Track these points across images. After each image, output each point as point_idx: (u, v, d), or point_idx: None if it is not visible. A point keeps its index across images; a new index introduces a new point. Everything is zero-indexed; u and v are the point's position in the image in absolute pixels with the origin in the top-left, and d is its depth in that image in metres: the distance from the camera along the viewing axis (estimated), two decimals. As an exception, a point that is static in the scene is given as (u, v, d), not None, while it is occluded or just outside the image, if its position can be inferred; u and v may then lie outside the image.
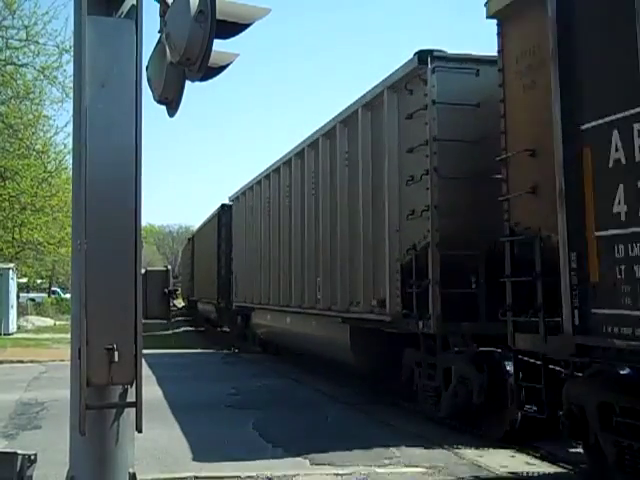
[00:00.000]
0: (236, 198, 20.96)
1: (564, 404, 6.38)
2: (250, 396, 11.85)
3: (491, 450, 7.91)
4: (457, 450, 7.92)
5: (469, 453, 7.79)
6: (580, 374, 6.41)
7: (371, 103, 10.79)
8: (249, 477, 6.79)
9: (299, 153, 14.40)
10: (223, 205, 23.09)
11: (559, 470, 7.17)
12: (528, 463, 7.42)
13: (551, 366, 6.71)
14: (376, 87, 10.54)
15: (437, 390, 9.20)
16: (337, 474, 6.92)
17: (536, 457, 7.64)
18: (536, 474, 7.06)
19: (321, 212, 12.91)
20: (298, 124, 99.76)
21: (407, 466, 7.28)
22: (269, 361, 17.67)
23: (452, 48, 9.26)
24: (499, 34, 7.43)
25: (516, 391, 7.23)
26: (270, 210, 16.58)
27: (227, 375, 14.98)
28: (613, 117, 5.58)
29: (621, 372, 6.05)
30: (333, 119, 12.39)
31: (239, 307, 19.98)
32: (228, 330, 23.85)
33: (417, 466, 7.24)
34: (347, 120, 11.75)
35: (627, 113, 5.43)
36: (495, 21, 7.46)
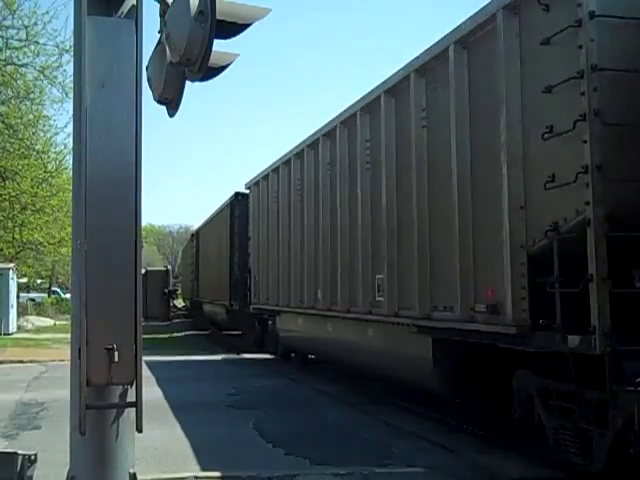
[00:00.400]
0: (255, 184, 17.74)
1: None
2: (250, 396, 11.85)
3: (492, 451, 7.90)
4: (457, 450, 7.91)
5: (469, 453, 7.79)
6: None
7: (472, 34, 7.74)
8: (249, 477, 6.79)
9: (346, 120, 11.42)
10: (237, 194, 20.18)
11: (557, 474, 7.15)
12: (527, 464, 7.41)
13: None
14: (486, 7, 7.44)
15: (585, 434, 6.30)
16: (337, 474, 6.92)
17: (536, 459, 7.63)
18: (535, 476, 7.06)
19: (384, 180, 9.81)
20: (299, 124, 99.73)
21: (407, 466, 7.27)
22: (269, 361, 17.62)
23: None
24: None
25: None
26: (304, 193, 13.52)
27: (227, 375, 14.97)
28: None
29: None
30: (406, 66, 9.24)
31: (258, 309, 17.49)
32: (239, 333, 22.03)
33: (417, 466, 7.24)
34: (426, 66, 8.71)
35: None
36: None
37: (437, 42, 8.41)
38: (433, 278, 8.44)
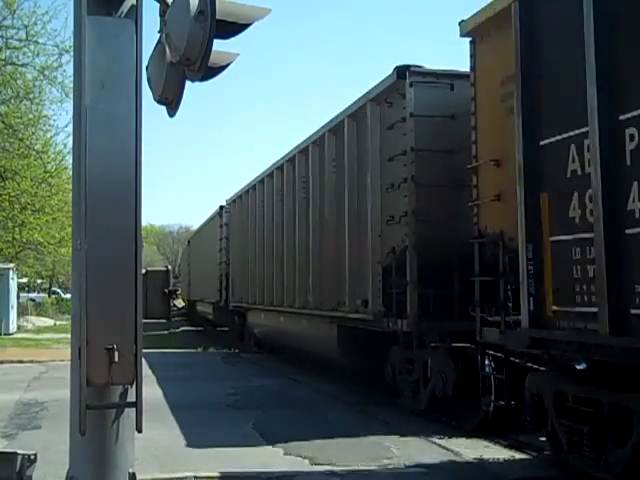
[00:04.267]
0: (232, 201, 21.54)
1: (526, 395, 6.80)
2: (250, 396, 11.85)
3: (492, 450, 7.90)
4: (457, 450, 7.91)
5: (469, 453, 7.79)
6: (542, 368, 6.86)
7: (356, 114, 11.34)
8: (249, 477, 6.79)
9: (291, 159, 14.91)
10: (222, 207, 23.33)
11: (557, 474, 7.15)
12: (527, 464, 7.41)
13: (513, 359, 7.26)
14: (360, 99, 11.16)
15: (416, 384, 9.90)
16: (337, 474, 6.92)
17: (535, 459, 7.64)
18: (535, 476, 7.07)
19: (311, 216, 13.40)
20: (299, 124, 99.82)
21: (407, 466, 7.27)
22: (267, 361, 17.66)
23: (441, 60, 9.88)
24: (471, 52, 7.94)
25: (484, 383, 7.78)
26: (264, 213, 17.10)
27: (227, 375, 14.98)
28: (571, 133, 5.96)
29: (578, 367, 6.44)
30: (322, 127, 12.93)
31: (236, 307, 20.46)
32: (227, 329, 24.17)
33: (417, 466, 7.24)
34: (335, 129, 12.31)
35: (578, 131, 5.81)
36: (468, 39, 7.99)
37: (338, 114, 12.12)
38: (338, 282, 11.78)
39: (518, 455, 7.74)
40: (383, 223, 10.22)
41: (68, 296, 37.60)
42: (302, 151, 14.08)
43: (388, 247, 10.00)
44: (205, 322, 30.02)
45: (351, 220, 11.36)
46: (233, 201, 21.48)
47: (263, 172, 17.47)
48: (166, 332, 28.96)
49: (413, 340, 9.67)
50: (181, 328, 33.16)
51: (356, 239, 11.15)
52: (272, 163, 16.64)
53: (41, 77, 21.13)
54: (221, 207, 23.37)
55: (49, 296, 46.63)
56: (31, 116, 22.39)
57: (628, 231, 5.30)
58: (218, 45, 3.87)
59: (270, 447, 8.09)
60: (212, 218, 25.82)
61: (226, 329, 24.33)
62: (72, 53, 4.60)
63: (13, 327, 27.78)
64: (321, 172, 12.93)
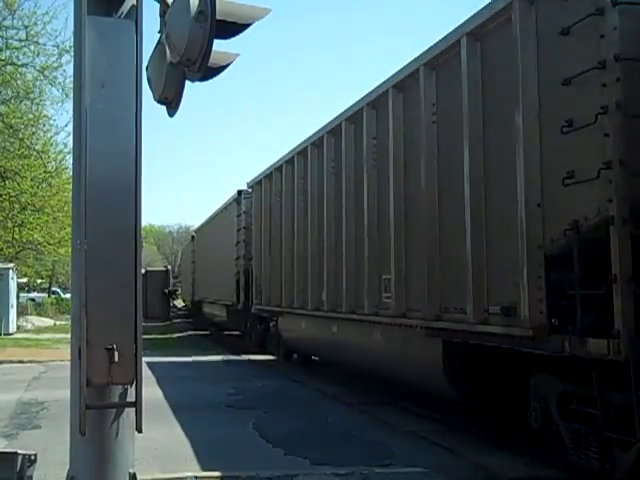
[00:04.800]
0: (258, 182, 17.42)
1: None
2: (250, 396, 11.85)
3: (492, 451, 7.90)
4: (457, 450, 7.91)
5: (469, 453, 7.79)
6: None
7: (485, 25, 7.46)
8: (249, 477, 6.79)
9: (352, 117, 11.20)
10: (240, 192, 19.67)
11: (557, 474, 7.15)
12: (527, 464, 7.41)
13: None
14: None
15: (605, 441, 6.03)
16: (337, 474, 6.92)
17: (534, 459, 7.64)
18: (535, 476, 7.06)
19: (392, 179, 9.56)
20: (299, 124, 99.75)
21: (407, 466, 7.27)
22: (271, 362, 17.59)
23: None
24: None
25: None
26: (308, 192, 13.29)
27: (227, 375, 14.97)
28: None
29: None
30: (415, 60, 8.98)
31: (259, 310, 17.28)
32: (239, 334, 21.98)
33: (417, 466, 7.24)
34: (437, 59, 8.46)
35: None
36: None
37: (449, 33, 8.14)
38: (444, 278, 8.14)
39: (518, 457, 7.74)
40: (550, 186, 6.39)
41: (68, 296, 37.60)
42: (371, 103, 10.43)
43: (561, 223, 6.14)
44: (212, 325, 27.36)
45: (475, 183, 7.52)
46: (258, 183, 17.33)
47: (306, 139, 13.57)
48: (172, 336, 27.41)
49: (631, 373, 5.42)
50: (186, 332, 29.87)
51: (485, 212, 7.42)
52: (325, 123, 12.56)
53: (41, 77, 21.18)
54: (239, 192, 19.73)
55: (49, 296, 46.61)
56: (31, 116, 22.42)
57: None
58: (218, 45, 3.87)
59: (270, 447, 8.10)
60: (226, 207, 22.06)
61: (237, 333, 22.24)
62: (72, 53, 4.60)
63: (13, 327, 27.77)
64: (415, 121, 8.86)
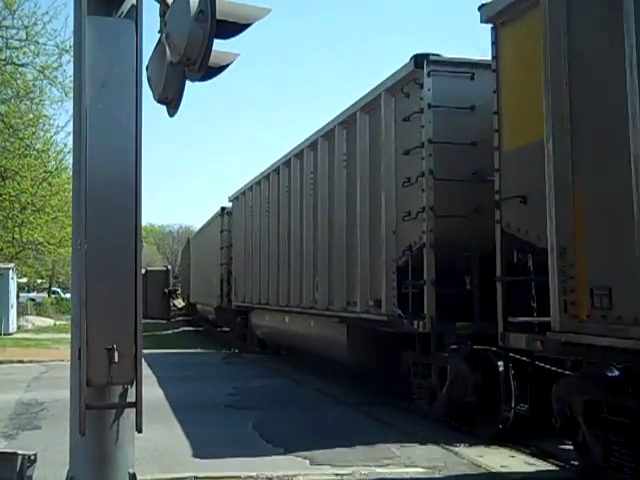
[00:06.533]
0: (235, 198, 21.14)
1: (553, 403, 6.41)
2: (250, 396, 11.85)
3: (490, 449, 7.91)
4: (457, 450, 7.91)
5: (469, 453, 7.78)
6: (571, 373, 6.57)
7: (369, 106, 10.98)
8: (249, 477, 6.78)
9: (298, 154, 14.52)
10: (223, 208, 23.48)
11: (558, 474, 7.16)
12: (528, 463, 7.42)
13: (541, 364, 6.97)
14: (374, 90, 10.76)
15: (432, 389, 9.38)
16: (337, 474, 6.92)
17: (534, 456, 7.64)
18: (536, 473, 7.07)
19: (319, 213, 13.04)
20: (299, 124, 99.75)
21: (407, 466, 7.27)
22: (269, 361, 17.65)
23: (451, 50, 9.35)
24: (493, 39, 7.51)
25: (506, 389, 7.43)
26: (269, 210, 16.75)
27: (227, 375, 14.98)
28: None
29: (609, 374, 5.94)
30: (332, 121, 12.54)
31: (238, 307, 20.26)
32: (227, 330, 24.26)
33: (417, 466, 7.24)
34: (346, 122, 11.94)
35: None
36: (490, 26, 7.54)
37: (349, 107, 11.76)
38: (348, 281, 11.55)
39: (517, 455, 7.75)
40: (399, 220, 9.78)
41: (68, 296, 37.60)
42: (311, 145, 13.70)
43: (404, 245, 9.63)
44: (205, 322, 30.00)
45: (363, 217, 10.98)
46: (236, 198, 21.11)
47: (269, 167, 17.04)
48: (169, 332, 29.07)
49: (431, 343, 9.16)
50: (181, 328, 33.42)
51: (368, 237, 10.77)
52: (279, 158, 16.17)
53: (41, 77, 21.17)
54: (222, 208, 23.56)
55: (49, 296, 46.62)
56: (31, 116, 22.41)
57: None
58: (218, 45, 3.87)
59: (270, 447, 8.09)
60: (213, 219, 26.04)
61: (227, 330, 24.42)
62: (72, 53, 4.60)
63: (13, 327, 27.77)
64: (330, 167, 12.58)
